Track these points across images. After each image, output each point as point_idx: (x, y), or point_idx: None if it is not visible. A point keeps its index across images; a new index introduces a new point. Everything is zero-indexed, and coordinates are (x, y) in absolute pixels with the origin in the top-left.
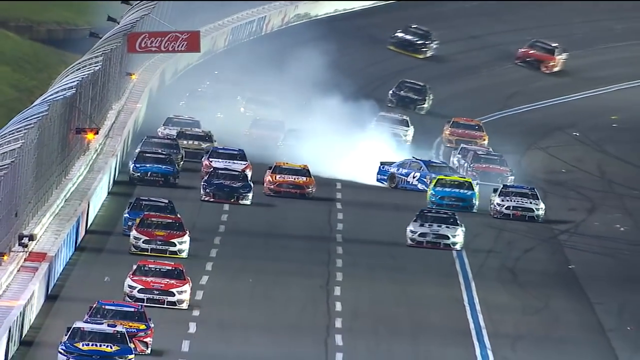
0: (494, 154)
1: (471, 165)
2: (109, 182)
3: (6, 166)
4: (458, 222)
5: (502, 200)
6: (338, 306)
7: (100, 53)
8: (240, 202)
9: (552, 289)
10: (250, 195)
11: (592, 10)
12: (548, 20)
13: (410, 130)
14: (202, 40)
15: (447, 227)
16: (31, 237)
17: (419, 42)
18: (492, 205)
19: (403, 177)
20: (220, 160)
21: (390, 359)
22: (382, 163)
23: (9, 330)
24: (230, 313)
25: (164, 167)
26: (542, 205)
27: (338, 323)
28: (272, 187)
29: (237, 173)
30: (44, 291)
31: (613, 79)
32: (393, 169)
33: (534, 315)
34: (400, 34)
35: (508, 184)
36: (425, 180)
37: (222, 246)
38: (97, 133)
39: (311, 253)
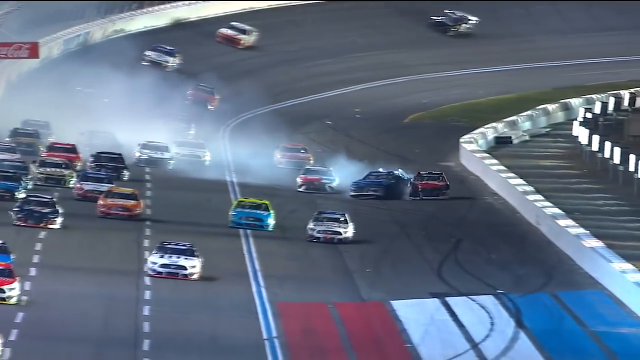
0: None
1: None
2: None
3: None
4: (195, 253)
5: (315, 225)
6: (147, 254)
7: None
8: (49, 226)
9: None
10: (58, 219)
11: (341, 28)
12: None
13: (207, 152)
14: (40, 49)
15: (185, 258)
16: None
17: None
18: (307, 229)
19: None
20: (89, 183)
21: (187, 294)
22: (354, 182)
23: None
24: (63, 259)
25: (9, 183)
26: (349, 229)
27: (146, 268)
28: (103, 209)
29: (47, 200)
30: None
31: (356, 81)
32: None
33: (297, 260)
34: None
35: (322, 211)
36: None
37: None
38: None
39: None
